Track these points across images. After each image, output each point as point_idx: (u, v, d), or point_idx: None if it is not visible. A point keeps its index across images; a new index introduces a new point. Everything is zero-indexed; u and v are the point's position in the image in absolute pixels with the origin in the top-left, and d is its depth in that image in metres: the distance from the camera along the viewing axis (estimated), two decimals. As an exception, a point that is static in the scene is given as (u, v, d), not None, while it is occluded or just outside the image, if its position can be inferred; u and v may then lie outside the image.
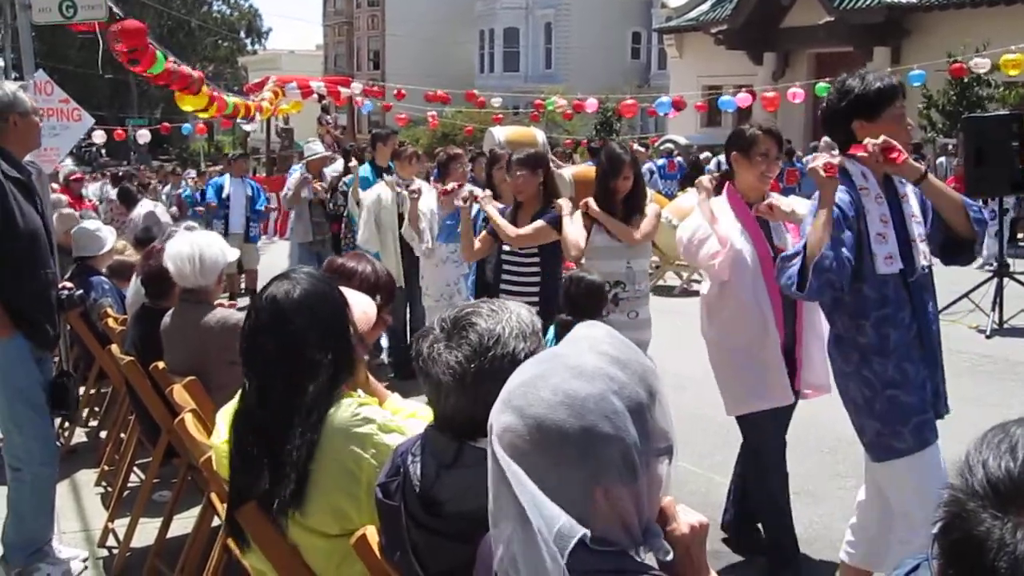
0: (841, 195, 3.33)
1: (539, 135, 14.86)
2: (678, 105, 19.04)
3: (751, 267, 4.17)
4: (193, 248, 4.09)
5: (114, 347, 4.94)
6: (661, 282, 12.88)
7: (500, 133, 14.14)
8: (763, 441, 4.39)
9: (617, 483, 1.39)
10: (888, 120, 3.37)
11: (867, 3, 24.87)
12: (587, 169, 14.75)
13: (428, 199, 7.38)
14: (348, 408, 2.37)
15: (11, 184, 4.09)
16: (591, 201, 5.23)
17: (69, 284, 4.87)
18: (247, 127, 16.69)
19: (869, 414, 3.41)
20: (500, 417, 1.43)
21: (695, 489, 5.45)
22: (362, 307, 2.90)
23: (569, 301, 4.55)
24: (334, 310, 2.46)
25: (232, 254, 4.35)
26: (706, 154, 20.92)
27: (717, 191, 4.44)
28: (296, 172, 10.97)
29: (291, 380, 2.35)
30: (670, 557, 1.51)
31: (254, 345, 2.42)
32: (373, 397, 2.65)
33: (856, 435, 3.58)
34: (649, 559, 1.48)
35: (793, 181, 14.19)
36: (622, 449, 1.38)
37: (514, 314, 1.94)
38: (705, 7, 31.28)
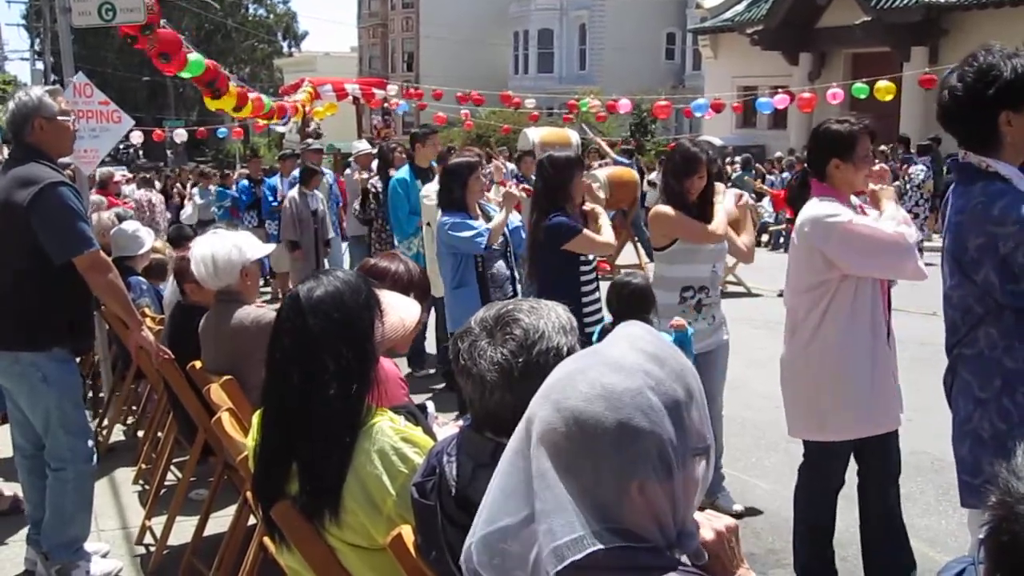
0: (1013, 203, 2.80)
1: (574, 136, 14.85)
2: (716, 107, 18.96)
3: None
4: (206, 250, 4.11)
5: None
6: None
7: (534, 134, 14.13)
8: (831, 464, 4.04)
9: (652, 479, 1.38)
10: None
11: (904, 2, 24.61)
12: (622, 170, 14.72)
13: (433, 187, 7.40)
14: (389, 438, 2.33)
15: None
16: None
17: None
18: (280, 129, 16.80)
19: (997, 450, 2.86)
20: (539, 411, 1.44)
21: (729, 490, 5.41)
22: (400, 313, 2.88)
23: (617, 306, 4.49)
24: (348, 317, 2.39)
25: (255, 251, 4.31)
26: (746, 155, 20.80)
27: (801, 193, 4.06)
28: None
29: (305, 380, 2.34)
30: (704, 560, 1.50)
31: (274, 340, 2.44)
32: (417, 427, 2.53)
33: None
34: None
35: None
36: (658, 444, 1.37)
37: (553, 311, 1.95)
38: (740, 7, 31.11)
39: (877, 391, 3.86)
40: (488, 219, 6.16)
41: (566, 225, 5.20)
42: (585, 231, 5.23)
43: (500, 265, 6.00)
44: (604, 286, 5.43)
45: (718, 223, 4.90)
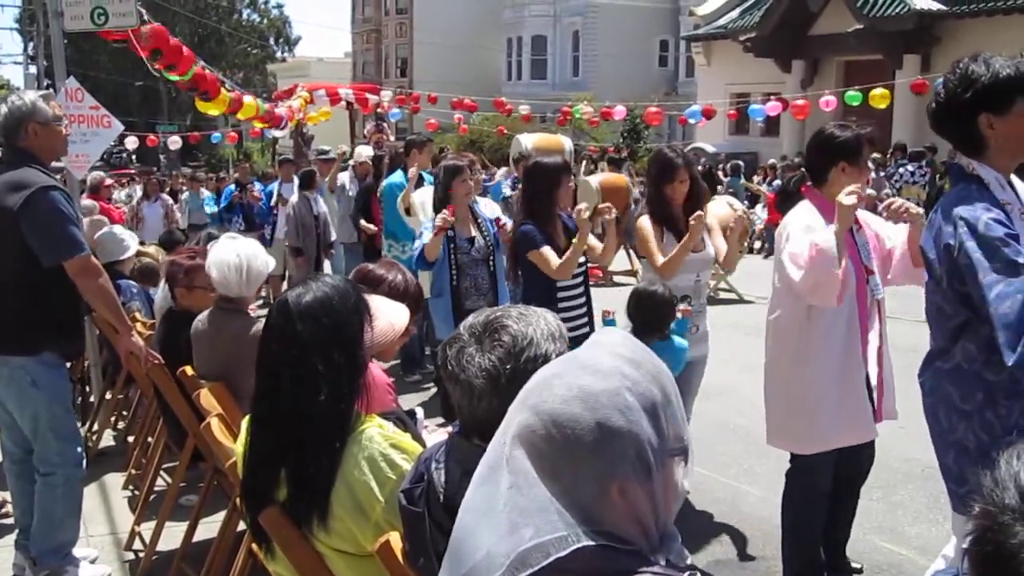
0: (990, 214, 2.79)
1: (566, 142, 14.83)
2: (708, 114, 19.00)
3: (850, 288, 3.74)
4: (241, 259, 4.07)
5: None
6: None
7: (527, 140, 14.11)
8: (818, 471, 4.08)
9: (632, 480, 1.38)
10: (1021, 113, 2.85)
11: (897, 10, 24.70)
12: (613, 177, 14.72)
13: (424, 194, 7.38)
14: (378, 444, 2.32)
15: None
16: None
17: None
18: (277, 134, 16.80)
19: (981, 461, 2.81)
20: (517, 416, 1.44)
21: (720, 497, 5.42)
22: (389, 318, 2.87)
23: (638, 315, 4.46)
24: (337, 322, 2.38)
25: (272, 263, 4.34)
26: (736, 162, 20.84)
27: (793, 197, 4.15)
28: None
29: (294, 385, 2.33)
30: (689, 561, 1.50)
31: (263, 346, 2.44)
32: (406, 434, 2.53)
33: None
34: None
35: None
36: (636, 444, 1.37)
37: (542, 318, 1.95)
38: (734, 15, 31.21)
39: (846, 405, 3.88)
40: (477, 221, 6.16)
41: (530, 235, 5.16)
42: (543, 249, 5.10)
43: (481, 272, 5.99)
44: (597, 292, 5.44)
45: (671, 261, 4.82)
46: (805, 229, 3.81)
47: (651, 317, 4.39)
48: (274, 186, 13.02)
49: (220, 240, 4.34)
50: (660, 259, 4.87)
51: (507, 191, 11.70)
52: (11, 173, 4.13)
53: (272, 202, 12.71)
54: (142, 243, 7.97)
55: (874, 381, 3.98)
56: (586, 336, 4.76)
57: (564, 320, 5.07)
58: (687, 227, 4.88)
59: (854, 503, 4.38)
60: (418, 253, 5.88)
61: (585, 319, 5.38)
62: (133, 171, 18.66)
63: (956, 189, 2.96)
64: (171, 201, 15.27)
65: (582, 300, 5.39)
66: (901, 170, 15.84)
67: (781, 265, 3.87)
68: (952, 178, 3.07)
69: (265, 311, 4.31)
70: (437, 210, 6.06)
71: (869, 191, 3.95)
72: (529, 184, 5.38)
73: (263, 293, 12.84)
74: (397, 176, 8.71)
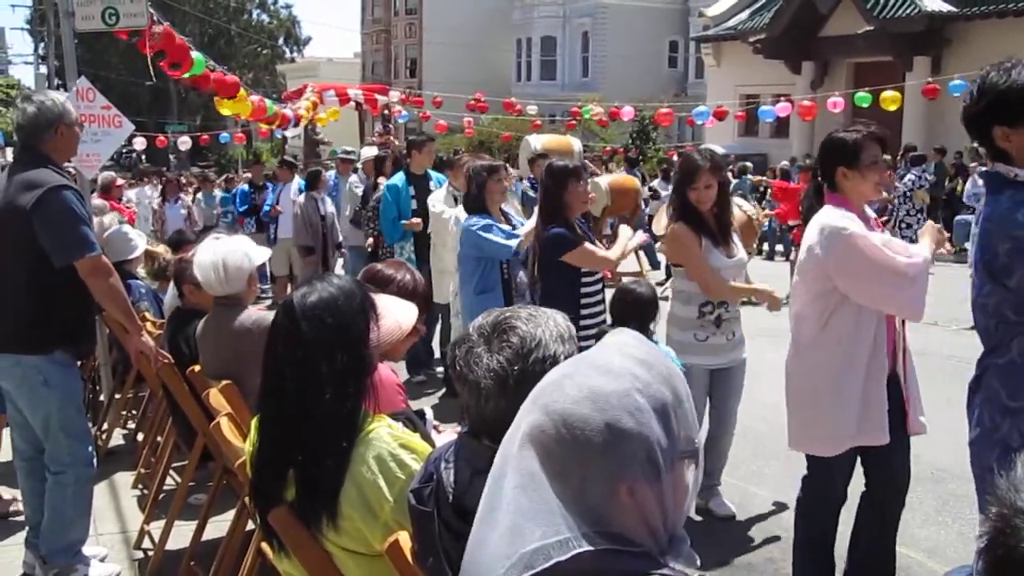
0: None
1: (575, 143, 14.82)
2: (719, 115, 18.95)
3: None
4: (216, 256, 4.09)
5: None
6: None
7: (536, 141, 14.10)
8: (833, 478, 4.01)
9: (641, 481, 1.38)
10: None
11: (907, 12, 24.60)
12: (623, 177, 14.69)
13: (434, 197, 7.51)
14: (387, 444, 2.33)
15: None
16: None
17: None
18: (288, 134, 16.84)
19: None
20: (528, 416, 1.44)
21: (729, 499, 5.40)
22: (396, 317, 2.87)
23: (620, 313, 4.47)
24: (342, 322, 2.38)
25: (260, 256, 4.32)
26: (743, 163, 20.80)
27: (814, 205, 3.98)
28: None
29: (300, 386, 2.33)
30: (698, 564, 1.50)
31: (269, 346, 2.44)
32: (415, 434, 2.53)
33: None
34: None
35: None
36: (645, 446, 1.37)
37: (552, 319, 1.95)
38: (743, 16, 31.14)
39: (867, 405, 3.80)
40: (511, 224, 6.18)
41: (565, 237, 5.19)
42: (584, 244, 5.20)
43: (522, 273, 6.00)
44: (605, 293, 5.44)
45: (718, 288, 4.83)
46: (848, 227, 3.69)
47: (633, 315, 4.40)
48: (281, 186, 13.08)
49: (204, 242, 4.35)
50: (711, 279, 4.83)
51: (530, 192, 11.75)
52: (26, 173, 4.15)
53: (275, 201, 12.74)
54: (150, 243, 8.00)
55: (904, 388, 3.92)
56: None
57: (586, 317, 5.13)
58: (720, 231, 4.91)
59: (887, 526, 4.14)
60: (514, 243, 5.87)
61: (604, 315, 5.41)
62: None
63: (1009, 194, 2.84)
64: (191, 201, 15.34)
65: (600, 296, 5.43)
66: (907, 177, 15.83)
67: (824, 257, 3.74)
68: (992, 185, 2.95)
69: (272, 312, 4.31)
70: (469, 209, 6.08)
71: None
72: (542, 187, 5.44)
73: (269, 292, 12.89)
74: (397, 178, 8.74)
